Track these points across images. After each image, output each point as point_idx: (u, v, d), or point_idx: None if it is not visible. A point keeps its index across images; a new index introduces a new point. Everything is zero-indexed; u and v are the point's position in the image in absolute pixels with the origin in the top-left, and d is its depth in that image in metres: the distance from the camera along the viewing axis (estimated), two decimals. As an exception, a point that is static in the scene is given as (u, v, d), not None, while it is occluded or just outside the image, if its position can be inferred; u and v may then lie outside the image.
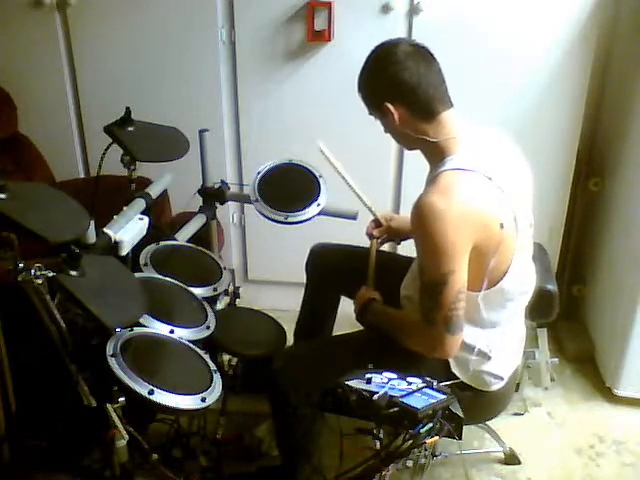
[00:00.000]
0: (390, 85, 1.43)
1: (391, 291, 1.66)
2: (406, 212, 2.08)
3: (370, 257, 1.81)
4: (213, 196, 2.09)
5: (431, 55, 1.45)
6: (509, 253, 1.44)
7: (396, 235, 1.89)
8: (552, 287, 1.79)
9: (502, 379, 1.57)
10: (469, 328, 1.48)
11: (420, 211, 1.36)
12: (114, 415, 1.36)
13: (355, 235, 1.92)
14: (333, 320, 2.01)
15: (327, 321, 2.00)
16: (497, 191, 1.40)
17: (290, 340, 1.94)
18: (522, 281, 1.54)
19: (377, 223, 1.89)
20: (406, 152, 2.40)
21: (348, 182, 1.84)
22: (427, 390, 1.31)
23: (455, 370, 1.53)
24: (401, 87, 1.42)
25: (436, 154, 1.46)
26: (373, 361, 1.41)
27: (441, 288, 1.36)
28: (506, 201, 1.41)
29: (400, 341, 1.51)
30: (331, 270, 1.92)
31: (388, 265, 1.82)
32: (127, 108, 1.68)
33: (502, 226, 1.39)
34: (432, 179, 1.42)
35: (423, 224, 1.35)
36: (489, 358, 1.52)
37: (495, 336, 1.53)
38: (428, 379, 1.34)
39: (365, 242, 1.90)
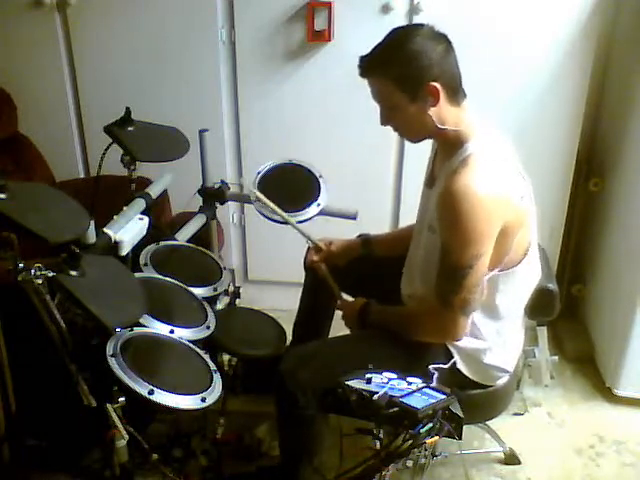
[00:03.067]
0: (440, 65, 1.39)
1: (384, 289, 1.66)
2: (406, 212, 2.09)
3: (327, 279, 1.77)
4: (213, 196, 2.09)
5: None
6: (527, 235, 1.47)
7: (337, 259, 1.83)
8: (552, 285, 1.79)
9: (507, 372, 1.59)
10: (482, 318, 1.49)
11: (456, 194, 1.34)
12: (114, 415, 1.36)
13: (355, 235, 1.92)
14: (332, 315, 2.00)
15: (325, 315, 1.99)
16: (516, 171, 1.44)
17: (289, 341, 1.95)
18: (533, 273, 1.57)
19: (317, 249, 1.85)
20: (406, 152, 2.40)
21: (285, 218, 1.83)
22: (427, 390, 1.32)
23: (461, 366, 1.53)
24: (446, 68, 1.41)
25: (456, 141, 1.45)
26: (385, 359, 1.41)
27: (467, 271, 1.36)
28: (524, 181, 1.46)
29: (408, 333, 1.50)
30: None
31: (379, 265, 1.82)
32: (127, 108, 1.68)
33: (524, 205, 1.43)
34: (461, 162, 1.40)
35: (459, 208, 1.34)
36: (498, 349, 1.54)
37: (504, 327, 1.54)
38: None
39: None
